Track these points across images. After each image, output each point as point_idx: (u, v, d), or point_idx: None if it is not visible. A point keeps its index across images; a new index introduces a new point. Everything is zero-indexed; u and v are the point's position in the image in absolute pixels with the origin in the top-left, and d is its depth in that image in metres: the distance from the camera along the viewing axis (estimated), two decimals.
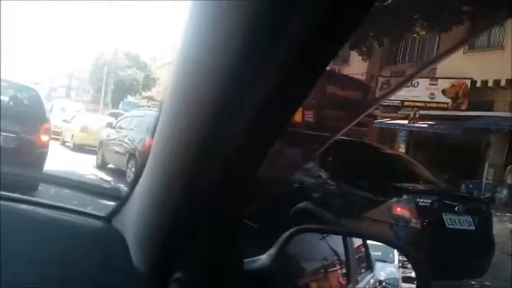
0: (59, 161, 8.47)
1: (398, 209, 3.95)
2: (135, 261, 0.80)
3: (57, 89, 37.82)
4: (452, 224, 4.06)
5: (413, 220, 3.91)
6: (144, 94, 27.30)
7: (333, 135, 0.98)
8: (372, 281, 2.40)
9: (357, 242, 2.16)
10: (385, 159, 5.06)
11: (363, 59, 11.04)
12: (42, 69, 36.30)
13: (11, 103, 6.02)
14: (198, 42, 0.55)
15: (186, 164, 0.64)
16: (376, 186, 4.15)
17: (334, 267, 1.85)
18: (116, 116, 14.92)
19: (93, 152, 11.23)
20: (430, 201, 4.04)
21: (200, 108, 0.56)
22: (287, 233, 1.05)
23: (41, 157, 5.78)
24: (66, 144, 14.29)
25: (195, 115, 0.58)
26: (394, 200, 3.97)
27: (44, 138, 5.89)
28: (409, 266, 1.44)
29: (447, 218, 4.04)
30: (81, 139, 13.47)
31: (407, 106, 12.67)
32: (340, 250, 1.86)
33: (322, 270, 1.74)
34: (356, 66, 12.98)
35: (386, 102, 12.66)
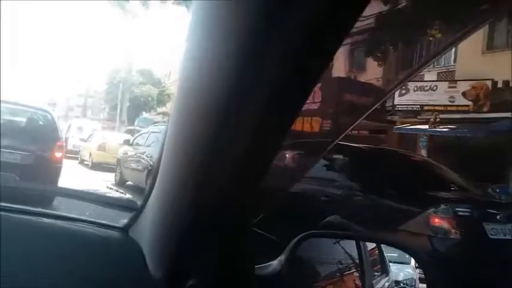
0: (77, 179, 8.54)
1: (436, 219, 3.71)
2: (151, 269, 0.82)
3: (73, 109, 38.33)
4: (496, 234, 3.79)
5: (453, 231, 3.67)
6: (159, 110, 27.45)
7: (337, 137, 1.03)
8: (386, 284, 2.26)
9: (371, 245, 2.05)
10: (415, 166, 4.84)
11: (378, 64, 10.85)
12: (58, 89, 36.82)
13: (28, 124, 6.51)
14: (196, 55, 0.57)
15: (192, 172, 0.65)
16: (409, 196, 3.94)
17: (347, 271, 1.78)
18: (132, 132, 15.02)
19: (112, 170, 11.30)
20: (469, 210, 3.80)
21: (203, 116, 0.58)
22: (296, 239, 1.09)
23: (56, 172, 6.28)
24: (85, 163, 14.38)
25: (198, 123, 0.59)
26: (431, 210, 3.74)
27: (58, 154, 6.42)
28: None
29: (489, 227, 3.78)
30: (99, 157, 13.54)
31: (427, 110, 12.39)
32: (354, 254, 1.79)
33: (334, 275, 1.72)
34: (372, 71, 12.80)
35: (405, 108, 12.42)
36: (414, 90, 12.14)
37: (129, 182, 9.82)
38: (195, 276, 0.77)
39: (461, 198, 4.08)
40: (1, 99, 6.23)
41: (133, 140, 10.55)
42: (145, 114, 27.45)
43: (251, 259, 0.86)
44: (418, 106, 12.43)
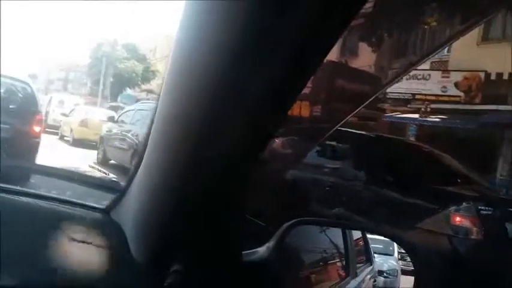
0: (57, 156, 8.33)
1: (458, 218, 3.49)
2: (133, 252, 0.80)
3: (54, 82, 37.39)
4: None
5: (475, 231, 3.46)
6: (144, 87, 26.96)
7: (335, 124, 1.04)
8: (368, 276, 2.22)
9: (356, 234, 2.01)
10: (420, 156, 4.63)
11: (372, 51, 10.72)
12: (39, 62, 35.87)
13: (5, 96, 6.28)
14: (193, 39, 0.55)
15: (183, 154, 0.64)
16: (425, 190, 3.73)
17: (333, 259, 1.86)
18: (115, 109, 14.73)
19: (93, 147, 11.05)
20: (492, 209, 3.59)
21: (196, 97, 0.57)
22: (285, 226, 1.07)
23: (34, 147, 6.09)
24: (65, 138, 13.96)
25: (191, 105, 0.58)
26: (452, 208, 3.52)
27: (37, 129, 6.25)
28: (408, 259, 1.45)
29: (510, 227, 3.61)
30: (81, 134, 13.15)
31: (419, 100, 12.33)
32: (340, 243, 1.86)
33: (321, 263, 1.76)
34: (365, 58, 12.63)
35: (396, 96, 12.33)
36: (407, 79, 12.03)
37: (112, 161, 9.60)
38: (180, 262, 0.76)
39: (483, 196, 3.90)
40: None
41: (119, 117, 10.29)
42: (129, 91, 26.95)
43: (238, 245, 0.85)
44: (410, 95, 12.36)
